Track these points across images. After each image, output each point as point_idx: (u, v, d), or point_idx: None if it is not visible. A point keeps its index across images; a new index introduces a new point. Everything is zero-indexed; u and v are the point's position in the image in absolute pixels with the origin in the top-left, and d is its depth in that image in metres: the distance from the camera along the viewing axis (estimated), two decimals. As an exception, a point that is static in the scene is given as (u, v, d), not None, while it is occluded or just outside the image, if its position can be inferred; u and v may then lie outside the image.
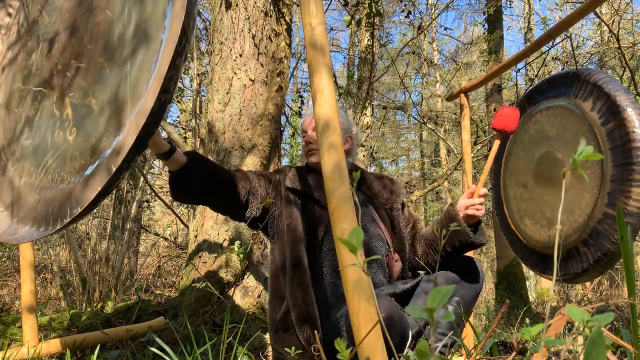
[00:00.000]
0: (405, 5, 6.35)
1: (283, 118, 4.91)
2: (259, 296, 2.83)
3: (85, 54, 1.31)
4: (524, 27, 11.41)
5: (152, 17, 1.15)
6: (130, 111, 1.11)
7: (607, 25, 5.73)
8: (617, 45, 5.45)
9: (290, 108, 7.50)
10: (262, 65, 3.19)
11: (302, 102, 7.42)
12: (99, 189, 1.09)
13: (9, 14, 1.74)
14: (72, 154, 1.25)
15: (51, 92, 1.40)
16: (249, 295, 2.80)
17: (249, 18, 3.18)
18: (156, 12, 1.13)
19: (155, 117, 1.05)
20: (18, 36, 1.65)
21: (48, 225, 1.24)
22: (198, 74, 6.63)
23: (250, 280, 2.84)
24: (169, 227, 8.92)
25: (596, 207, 2.03)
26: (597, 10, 5.62)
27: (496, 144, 1.68)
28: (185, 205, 7.88)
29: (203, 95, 6.85)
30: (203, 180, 1.60)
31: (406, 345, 1.50)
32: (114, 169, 1.07)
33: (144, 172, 6.59)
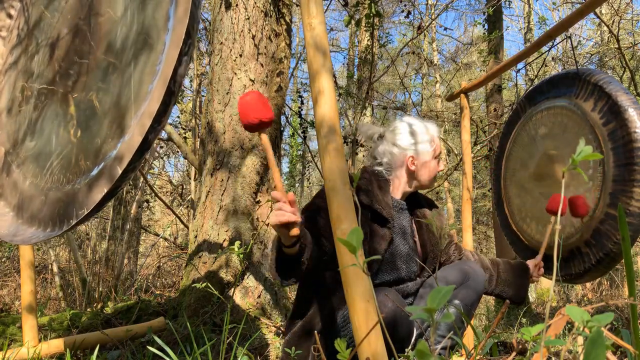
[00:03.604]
0: (405, 5, 6.36)
1: (283, 118, 4.91)
2: (259, 296, 2.83)
3: (89, 56, 1.32)
4: (524, 28, 11.42)
5: (155, 19, 1.15)
6: (135, 113, 1.11)
7: (607, 26, 5.73)
8: (617, 46, 5.45)
9: (290, 108, 7.50)
10: (262, 65, 3.19)
11: (302, 102, 7.42)
12: (105, 190, 1.09)
13: (10, 15, 1.74)
14: (77, 155, 1.25)
15: (55, 94, 1.40)
16: (249, 295, 2.80)
17: (249, 18, 3.19)
18: (159, 14, 1.13)
19: (161, 119, 1.06)
20: (19, 40, 1.65)
21: (54, 227, 1.24)
22: (198, 74, 6.63)
23: (250, 281, 2.84)
24: (168, 227, 8.92)
25: (598, 207, 2.03)
26: (597, 10, 5.63)
27: (552, 223, 1.91)
28: (185, 206, 7.88)
29: (203, 96, 6.85)
30: (311, 257, 1.46)
31: (412, 339, 1.50)
32: (119, 171, 1.07)
33: (144, 172, 6.59)
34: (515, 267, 2.00)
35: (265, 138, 1.23)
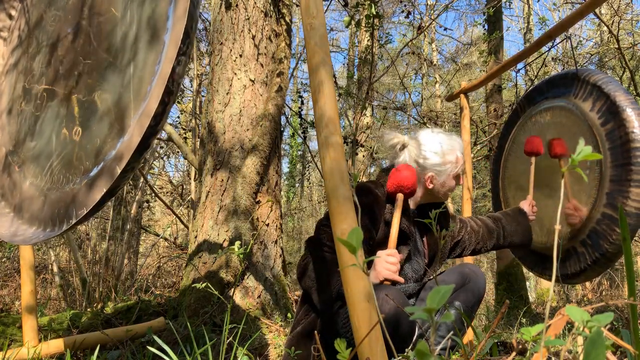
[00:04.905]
0: (405, 5, 6.36)
1: (283, 118, 4.91)
2: (259, 296, 2.83)
3: (89, 55, 1.32)
4: (524, 28, 11.41)
5: (154, 18, 1.15)
6: (134, 113, 1.11)
7: (607, 26, 5.73)
8: (616, 46, 5.45)
9: (290, 108, 7.50)
10: (262, 65, 3.19)
11: (302, 102, 7.42)
12: (105, 190, 1.10)
13: (10, 16, 1.74)
14: (77, 155, 1.25)
15: (56, 94, 1.41)
16: (249, 295, 2.80)
17: (249, 18, 3.19)
18: (158, 14, 1.14)
19: (159, 119, 1.06)
20: (20, 40, 1.65)
21: (54, 227, 1.24)
22: (198, 75, 6.63)
23: (250, 281, 2.84)
24: (169, 227, 8.92)
25: (595, 207, 2.03)
26: (597, 10, 5.63)
27: (532, 166, 2.19)
28: (185, 206, 7.88)
29: (203, 96, 6.85)
30: None
31: (414, 337, 1.50)
32: (119, 171, 1.08)
33: (144, 172, 6.59)
34: (514, 215, 2.09)
35: (401, 198, 1.60)
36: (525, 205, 2.11)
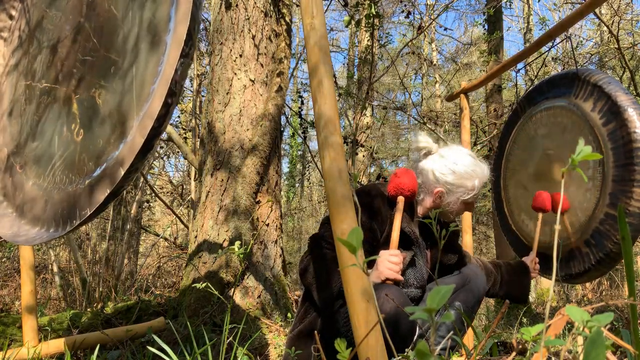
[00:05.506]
0: (405, 5, 6.36)
1: (283, 118, 4.91)
2: (259, 296, 2.83)
3: (90, 56, 1.32)
4: (524, 28, 11.41)
5: (156, 19, 1.15)
6: (137, 114, 1.11)
7: (607, 26, 5.73)
8: (616, 46, 5.45)
9: (290, 108, 7.50)
10: (262, 65, 3.19)
11: (302, 102, 7.42)
12: (108, 191, 1.10)
13: (11, 16, 1.74)
14: (79, 156, 1.25)
15: (57, 95, 1.41)
16: (249, 295, 2.81)
17: (248, 18, 3.19)
18: (160, 15, 1.14)
19: (162, 120, 1.06)
20: (20, 41, 1.65)
21: (58, 227, 1.24)
22: (198, 75, 6.63)
23: (250, 281, 2.84)
24: (168, 227, 8.92)
25: (598, 207, 2.03)
26: (597, 10, 5.63)
27: (538, 222, 2.03)
28: (185, 206, 7.88)
29: (203, 96, 6.85)
30: None
31: (414, 336, 1.51)
32: (122, 172, 1.08)
33: (144, 172, 6.58)
34: (515, 267, 2.04)
35: (401, 201, 1.63)
36: (528, 261, 2.06)
